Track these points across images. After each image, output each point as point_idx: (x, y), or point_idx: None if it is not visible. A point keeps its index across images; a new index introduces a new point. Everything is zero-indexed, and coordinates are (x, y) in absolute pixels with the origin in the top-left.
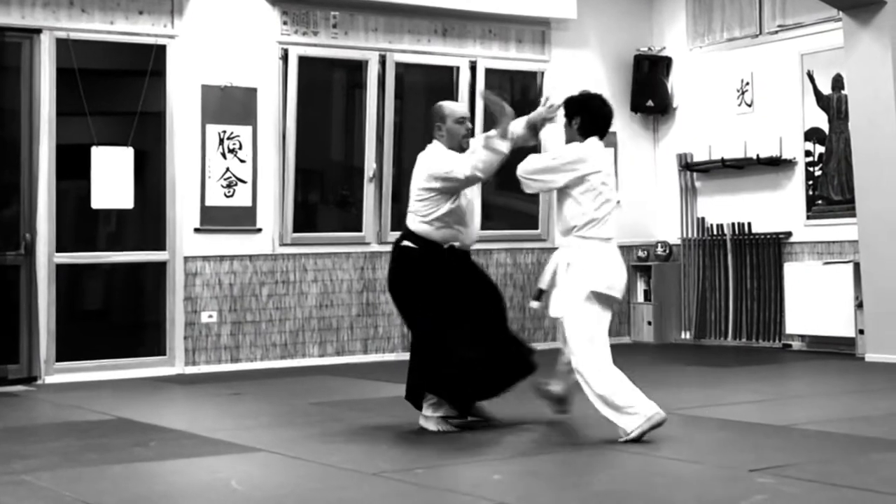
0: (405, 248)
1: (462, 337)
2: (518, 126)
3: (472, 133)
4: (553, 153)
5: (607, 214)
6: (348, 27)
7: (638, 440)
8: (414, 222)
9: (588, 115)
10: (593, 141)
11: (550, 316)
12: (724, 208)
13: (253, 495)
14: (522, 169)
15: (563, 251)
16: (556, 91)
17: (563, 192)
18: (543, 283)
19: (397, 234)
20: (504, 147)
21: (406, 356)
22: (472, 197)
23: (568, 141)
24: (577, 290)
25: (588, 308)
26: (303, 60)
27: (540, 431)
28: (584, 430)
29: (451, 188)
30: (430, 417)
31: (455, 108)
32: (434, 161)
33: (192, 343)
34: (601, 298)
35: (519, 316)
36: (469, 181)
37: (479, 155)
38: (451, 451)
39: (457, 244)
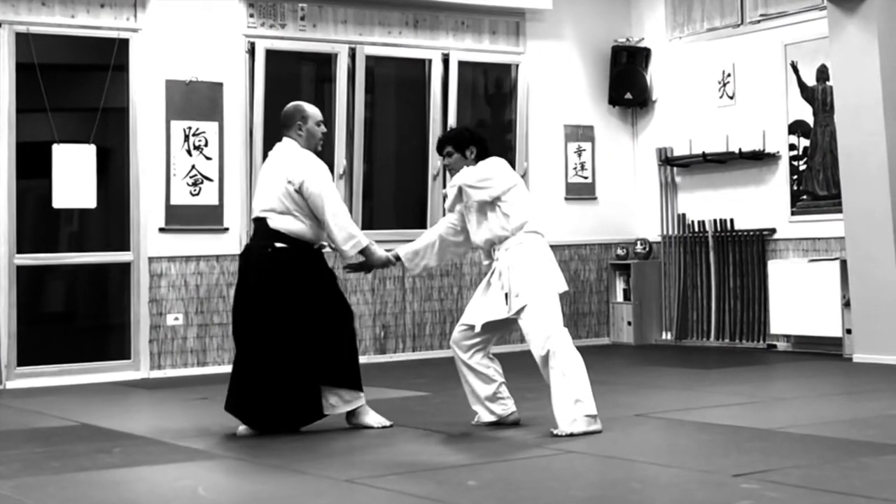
0: (280, 250)
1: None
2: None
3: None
4: (480, 165)
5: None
6: (317, 19)
7: (571, 435)
8: (283, 221)
9: (480, 144)
10: None
11: (511, 311)
12: (705, 204)
13: (221, 503)
14: (468, 179)
15: (516, 249)
16: (532, 83)
17: (497, 202)
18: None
19: (368, 232)
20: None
21: (378, 358)
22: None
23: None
24: (543, 285)
25: (554, 298)
26: (270, 54)
27: (513, 435)
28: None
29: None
30: (362, 411)
31: (316, 110)
32: (320, 171)
33: (158, 346)
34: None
35: None
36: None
37: (351, 240)
38: (424, 456)
39: (324, 242)
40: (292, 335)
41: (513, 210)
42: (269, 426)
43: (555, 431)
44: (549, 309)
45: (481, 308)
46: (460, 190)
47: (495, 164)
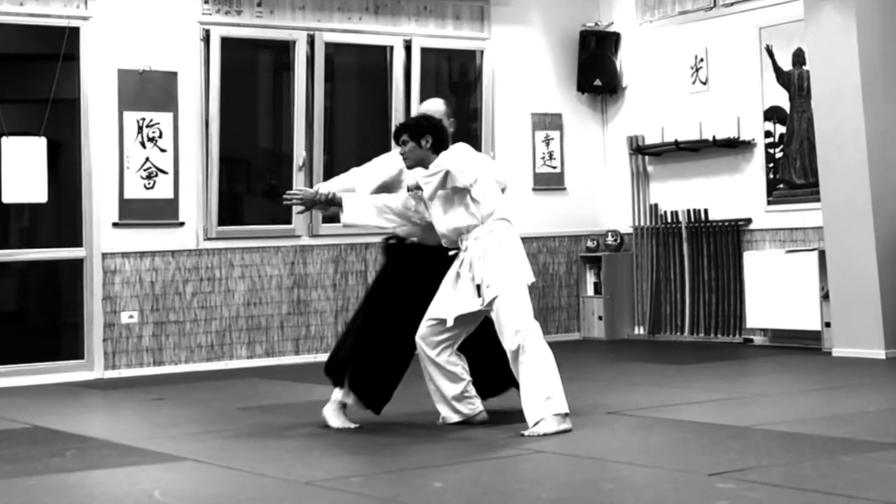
0: (383, 243)
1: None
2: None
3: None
4: (455, 150)
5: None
6: (274, 5)
7: (541, 434)
8: None
9: (436, 133)
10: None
11: (485, 303)
12: (678, 194)
13: None
14: (453, 164)
15: (486, 238)
16: (497, 71)
17: (465, 190)
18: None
19: (329, 226)
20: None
21: None
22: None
23: (418, 160)
24: (513, 275)
25: (524, 290)
26: (226, 42)
27: (481, 435)
28: (527, 433)
29: None
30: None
31: (426, 105)
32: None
33: (112, 345)
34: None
35: None
36: None
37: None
38: (388, 458)
39: (415, 239)
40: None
41: (483, 197)
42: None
43: (524, 433)
44: (520, 301)
45: (452, 301)
46: (446, 175)
47: (467, 149)
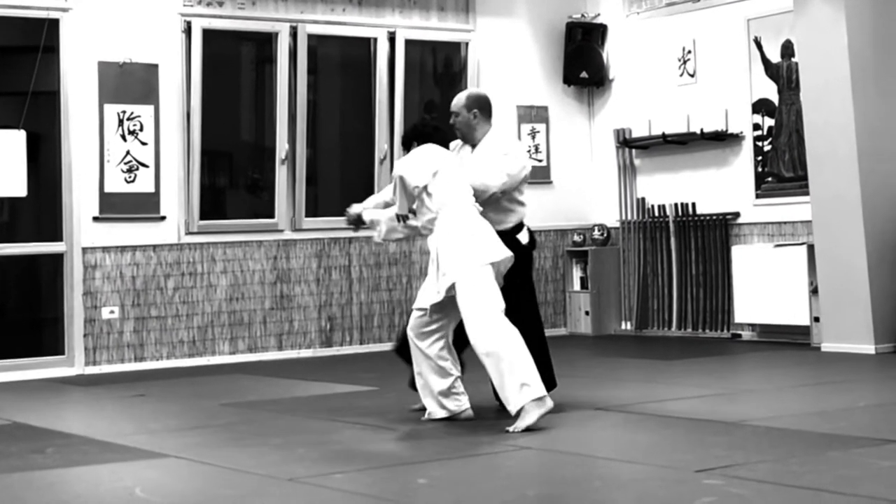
0: None
1: None
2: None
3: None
4: (417, 153)
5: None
6: None
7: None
8: None
9: (421, 138)
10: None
11: (442, 291)
12: (665, 188)
13: None
14: (402, 169)
15: (439, 227)
16: (482, 63)
17: (427, 186)
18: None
19: (313, 220)
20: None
21: (323, 352)
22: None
23: None
24: (467, 259)
25: (483, 272)
26: (207, 34)
27: (466, 431)
28: (514, 429)
29: None
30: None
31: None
32: None
33: (93, 341)
34: (492, 265)
35: None
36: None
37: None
38: (372, 454)
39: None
40: None
41: (435, 190)
42: None
43: (509, 429)
44: (478, 286)
45: (429, 290)
46: (402, 181)
47: (421, 150)
